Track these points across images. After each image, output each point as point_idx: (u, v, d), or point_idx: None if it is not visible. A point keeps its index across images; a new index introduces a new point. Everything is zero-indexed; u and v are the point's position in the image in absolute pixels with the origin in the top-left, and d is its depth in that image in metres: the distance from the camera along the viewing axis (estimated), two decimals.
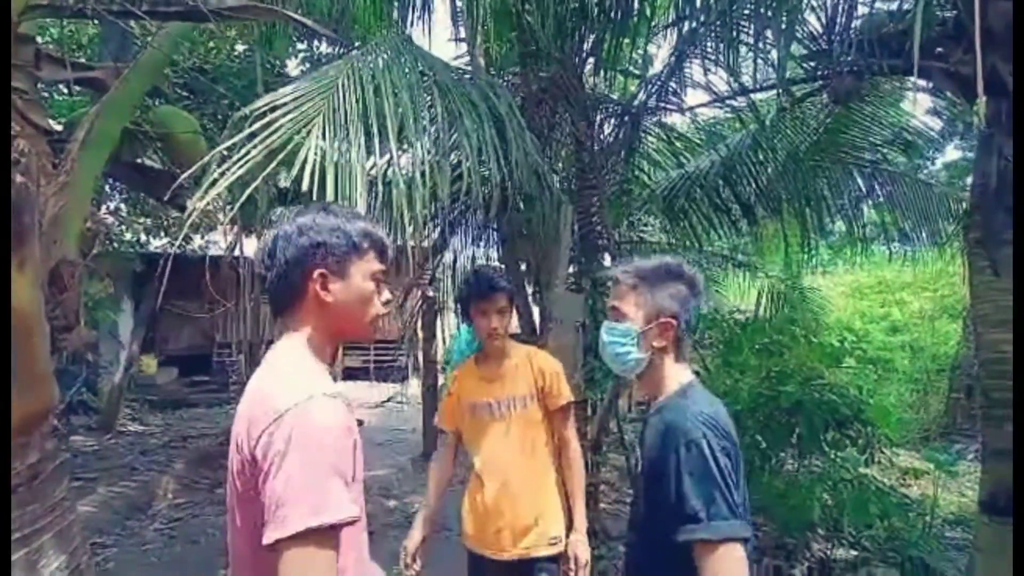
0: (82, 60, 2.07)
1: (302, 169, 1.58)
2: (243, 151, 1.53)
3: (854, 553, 3.53)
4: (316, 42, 5.28)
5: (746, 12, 3.19)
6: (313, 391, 0.88)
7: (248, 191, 1.57)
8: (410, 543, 1.82)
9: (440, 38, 9.80)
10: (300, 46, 5.56)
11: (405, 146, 1.90)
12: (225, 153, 1.55)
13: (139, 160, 2.17)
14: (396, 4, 3.44)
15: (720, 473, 1.04)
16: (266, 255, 0.99)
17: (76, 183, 1.52)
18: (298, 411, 0.84)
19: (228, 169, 1.47)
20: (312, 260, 0.97)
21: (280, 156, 1.57)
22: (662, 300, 1.19)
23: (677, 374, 1.21)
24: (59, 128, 1.83)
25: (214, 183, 1.45)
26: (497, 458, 1.80)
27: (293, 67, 5.79)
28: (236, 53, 5.53)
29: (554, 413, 1.82)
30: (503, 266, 3.99)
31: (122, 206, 7.49)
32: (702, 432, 1.06)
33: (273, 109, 1.67)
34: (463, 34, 3.50)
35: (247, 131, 1.59)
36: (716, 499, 1.02)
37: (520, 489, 1.77)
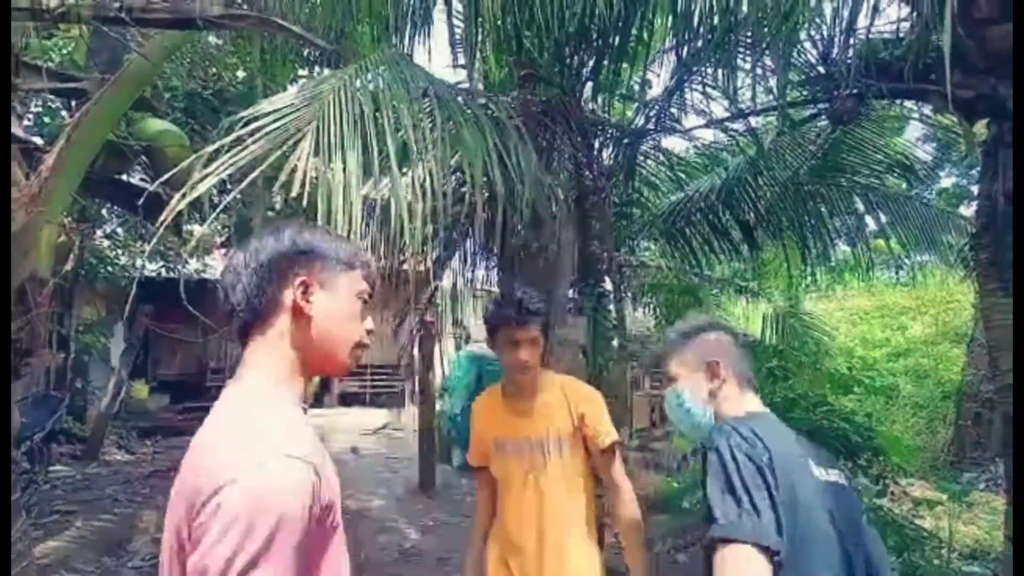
0: (63, 72, 2.03)
1: (300, 189, 1.51)
2: (230, 157, 1.46)
3: None
4: (318, 68, 5.32)
5: (744, 39, 3.20)
6: (267, 452, 0.69)
7: (243, 202, 1.49)
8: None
9: (438, 64, 9.98)
10: (301, 72, 5.61)
11: (403, 168, 1.84)
12: (213, 156, 1.48)
13: (124, 176, 2.11)
14: (396, 27, 3.46)
15: (730, 474, 1.00)
16: (231, 264, 0.85)
17: (50, 194, 1.45)
18: (238, 487, 0.66)
19: (213, 172, 1.40)
20: (292, 265, 0.83)
21: (281, 179, 1.50)
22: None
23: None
24: (37, 140, 1.77)
25: (201, 179, 1.37)
26: (526, 511, 1.56)
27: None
28: (237, 79, 5.56)
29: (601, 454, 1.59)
30: (500, 294, 3.91)
31: (119, 231, 7.46)
32: (724, 438, 1.06)
33: (266, 122, 1.61)
34: (462, 60, 3.51)
35: (245, 146, 1.52)
36: (727, 500, 1.00)
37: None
